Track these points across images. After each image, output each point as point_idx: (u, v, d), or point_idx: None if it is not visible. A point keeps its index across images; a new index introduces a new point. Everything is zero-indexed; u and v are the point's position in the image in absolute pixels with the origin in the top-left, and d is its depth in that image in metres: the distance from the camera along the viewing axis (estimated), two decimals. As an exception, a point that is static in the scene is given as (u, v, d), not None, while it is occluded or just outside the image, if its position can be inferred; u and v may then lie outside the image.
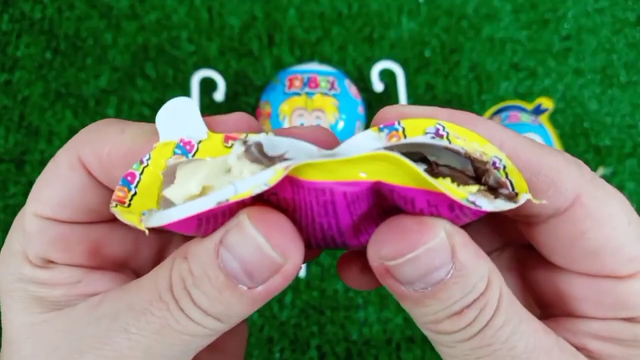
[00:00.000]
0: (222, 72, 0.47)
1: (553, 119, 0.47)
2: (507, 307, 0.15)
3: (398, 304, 0.43)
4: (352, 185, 0.14)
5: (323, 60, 0.48)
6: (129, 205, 0.15)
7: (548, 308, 0.18)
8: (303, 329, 0.43)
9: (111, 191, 0.16)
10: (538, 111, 0.42)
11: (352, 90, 0.42)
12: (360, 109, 0.42)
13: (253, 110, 0.47)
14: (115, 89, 0.47)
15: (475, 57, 0.48)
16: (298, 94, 0.40)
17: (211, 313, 0.15)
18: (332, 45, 0.49)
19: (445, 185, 0.14)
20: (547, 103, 0.42)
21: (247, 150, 0.15)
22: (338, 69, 0.46)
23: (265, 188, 0.14)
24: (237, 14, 0.49)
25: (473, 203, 0.14)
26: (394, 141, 0.16)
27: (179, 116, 0.16)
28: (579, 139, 0.47)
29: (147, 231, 0.15)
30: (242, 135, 0.16)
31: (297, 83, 0.41)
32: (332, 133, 0.17)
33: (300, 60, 0.48)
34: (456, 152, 0.15)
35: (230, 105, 0.47)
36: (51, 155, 0.47)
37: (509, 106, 0.44)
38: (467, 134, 0.16)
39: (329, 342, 0.43)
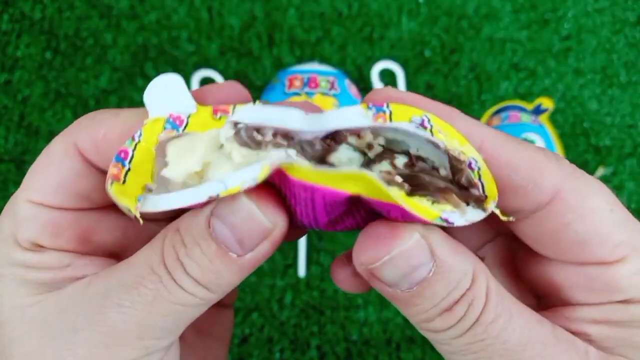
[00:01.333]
0: (222, 72, 0.47)
1: (553, 118, 0.47)
2: (496, 302, 0.15)
3: (398, 304, 0.43)
4: (332, 194, 0.15)
5: (323, 60, 0.48)
6: (124, 182, 0.15)
7: (543, 298, 0.18)
8: (303, 329, 0.43)
9: (104, 177, 0.16)
10: (538, 111, 0.42)
11: (352, 90, 0.42)
12: (360, 109, 0.42)
13: (253, 110, 0.47)
14: (115, 88, 0.47)
15: (475, 57, 0.48)
16: (298, 94, 0.40)
17: (202, 282, 0.16)
18: (332, 45, 0.49)
19: (419, 208, 0.14)
20: (547, 103, 0.42)
21: (237, 134, 0.15)
22: (338, 69, 0.46)
23: (253, 184, 0.14)
24: (237, 14, 0.49)
25: (445, 221, 0.15)
26: (379, 122, 0.16)
27: (167, 92, 0.16)
28: (579, 139, 0.47)
29: (141, 220, 0.15)
30: (230, 108, 0.16)
31: (297, 83, 0.41)
32: (320, 107, 0.17)
33: (300, 60, 0.48)
34: (436, 146, 0.16)
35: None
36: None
37: (509, 106, 0.44)
38: (449, 130, 0.16)
39: (329, 342, 0.43)
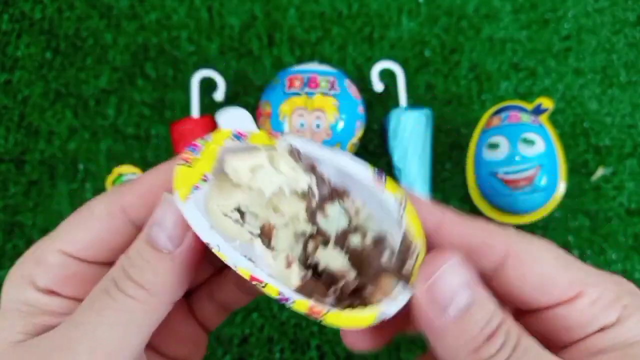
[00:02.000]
0: (222, 72, 0.47)
1: (553, 118, 0.47)
2: (523, 333, 0.18)
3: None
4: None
5: (323, 60, 0.48)
6: (191, 166, 0.19)
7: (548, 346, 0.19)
8: (303, 329, 0.43)
9: (137, 232, 0.20)
10: (538, 111, 0.42)
11: (352, 90, 0.42)
12: (360, 109, 0.42)
13: (253, 110, 0.47)
14: (115, 88, 0.47)
15: (475, 57, 0.48)
16: (298, 94, 0.40)
17: (142, 283, 0.18)
18: (332, 45, 0.49)
19: (353, 321, 0.19)
20: (547, 103, 0.42)
21: (290, 150, 0.21)
22: (338, 69, 0.46)
23: (277, 298, 0.20)
24: (237, 14, 0.49)
25: (383, 318, 0.18)
26: (378, 187, 0.21)
27: (237, 115, 0.21)
28: (579, 139, 0.47)
29: (183, 204, 0.19)
30: (280, 135, 0.21)
31: (297, 83, 0.41)
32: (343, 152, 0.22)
33: (300, 60, 0.48)
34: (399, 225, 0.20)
35: (230, 105, 0.47)
36: (51, 155, 0.47)
37: (509, 106, 0.44)
38: (415, 222, 0.20)
39: (329, 342, 0.43)
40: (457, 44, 0.49)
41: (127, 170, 0.42)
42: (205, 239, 0.19)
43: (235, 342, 0.43)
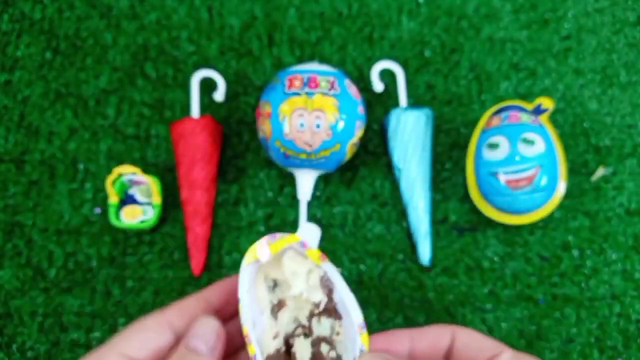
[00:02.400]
0: (222, 72, 0.47)
1: (553, 118, 0.47)
2: None
3: (398, 304, 0.43)
4: None
5: (323, 60, 0.48)
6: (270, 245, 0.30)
7: None
8: (303, 329, 0.43)
9: (178, 340, 0.29)
10: (538, 111, 0.42)
11: (352, 90, 0.42)
12: (361, 109, 0.42)
13: (253, 110, 0.47)
14: (115, 88, 0.47)
15: (475, 57, 0.48)
16: (298, 94, 0.40)
17: None
18: (332, 45, 0.49)
19: None
20: (547, 103, 0.42)
21: (322, 275, 0.31)
22: (338, 68, 0.46)
23: (251, 356, 0.29)
24: (237, 14, 0.49)
25: None
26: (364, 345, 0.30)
27: (310, 231, 0.30)
28: (579, 139, 0.47)
29: (245, 266, 0.30)
30: (327, 259, 0.31)
31: (297, 83, 0.41)
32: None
33: (300, 60, 0.48)
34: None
35: (230, 105, 0.47)
36: (51, 155, 0.47)
37: (509, 106, 0.44)
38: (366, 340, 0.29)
39: (329, 342, 0.43)
40: (457, 44, 0.49)
41: (127, 170, 0.42)
42: (240, 294, 0.29)
43: (235, 342, 0.43)
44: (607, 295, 0.44)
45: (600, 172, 0.46)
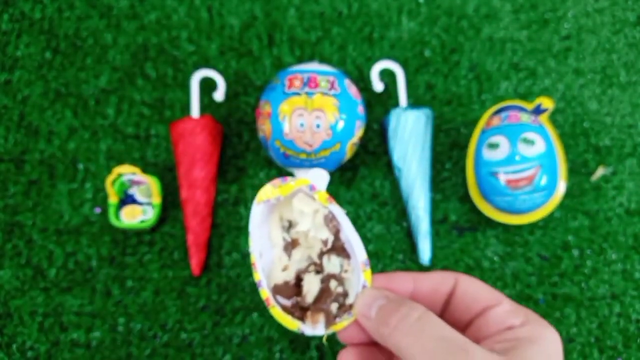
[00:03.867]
0: (222, 72, 0.47)
1: (553, 118, 0.47)
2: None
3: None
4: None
5: (323, 60, 0.48)
6: (276, 187, 0.31)
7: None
8: (303, 329, 0.43)
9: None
10: (538, 111, 0.42)
11: (352, 90, 0.42)
12: (360, 109, 0.42)
13: (253, 109, 0.47)
14: (115, 88, 0.47)
15: (475, 57, 0.48)
16: (298, 94, 0.40)
17: None
18: (332, 45, 0.49)
19: (285, 321, 0.31)
20: (547, 103, 0.42)
21: (328, 214, 0.32)
22: (338, 68, 0.46)
23: (256, 282, 0.32)
24: (237, 14, 0.49)
25: (301, 331, 0.30)
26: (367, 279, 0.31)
27: (319, 176, 0.31)
28: (579, 139, 0.47)
29: (256, 204, 0.32)
30: (334, 201, 0.32)
31: (297, 83, 0.41)
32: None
33: (300, 60, 0.48)
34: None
35: (230, 104, 0.47)
36: (51, 155, 0.47)
37: (509, 106, 0.44)
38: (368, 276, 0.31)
39: (329, 342, 0.43)
40: (457, 43, 0.49)
41: (126, 170, 0.42)
42: (250, 228, 0.31)
43: (235, 341, 0.43)
44: (607, 295, 0.44)
45: (600, 172, 0.46)
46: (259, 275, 0.31)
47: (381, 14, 0.49)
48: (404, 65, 0.48)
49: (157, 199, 0.43)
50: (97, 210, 0.45)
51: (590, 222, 0.45)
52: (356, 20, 0.49)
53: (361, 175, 0.46)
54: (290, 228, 0.34)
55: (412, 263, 0.44)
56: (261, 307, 0.43)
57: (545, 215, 0.43)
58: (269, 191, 0.32)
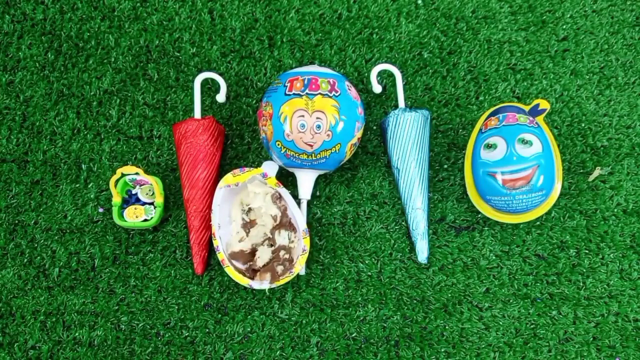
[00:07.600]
0: (224, 74, 0.48)
1: (550, 119, 0.47)
2: None
3: (396, 302, 0.44)
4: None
5: (323, 62, 0.49)
6: (235, 176, 0.42)
7: None
8: (303, 327, 0.43)
9: None
10: (535, 112, 0.43)
11: (352, 91, 0.42)
12: (360, 110, 0.42)
13: (254, 111, 0.48)
14: (117, 90, 0.48)
15: (473, 59, 0.49)
16: (299, 96, 0.41)
17: None
18: (332, 47, 0.49)
19: (238, 278, 0.41)
20: (544, 104, 0.42)
21: (274, 193, 0.43)
22: (338, 70, 0.47)
23: (215, 247, 0.43)
24: (238, 17, 0.50)
25: (250, 286, 0.41)
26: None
27: (271, 166, 0.42)
28: (576, 140, 0.47)
29: (219, 189, 0.42)
30: (280, 186, 0.42)
31: (298, 85, 0.41)
32: None
33: (301, 62, 0.49)
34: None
35: (232, 106, 0.48)
36: (54, 156, 0.47)
37: (506, 107, 0.44)
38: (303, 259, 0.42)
39: (329, 340, 0.43)
40: (455, 45, 0.49)
41: (129, 170, 0.42)
42: (213, 206, 0.42)
43: (236, 339, 0.43)
44: (604, 294, 0.44)
45: (597, 172, 0.46)
46: (217, 242, 0.41)
47: (380, 17, 0.50)
48: (403, 66, 0.48)
49: (159, 199, 0.44)
50: (101, 210, 0.45)
51: (587, 221, 0.46)
52: (355, 22, 0.50)
53: (360, 175, 0.46)
54: (249, 212, 0.43)
55: (410, 262, 0.45)
56: (262, 306, 0.44)
57: (542, 215, 0.43)
58: (229, 178, 0.41)
